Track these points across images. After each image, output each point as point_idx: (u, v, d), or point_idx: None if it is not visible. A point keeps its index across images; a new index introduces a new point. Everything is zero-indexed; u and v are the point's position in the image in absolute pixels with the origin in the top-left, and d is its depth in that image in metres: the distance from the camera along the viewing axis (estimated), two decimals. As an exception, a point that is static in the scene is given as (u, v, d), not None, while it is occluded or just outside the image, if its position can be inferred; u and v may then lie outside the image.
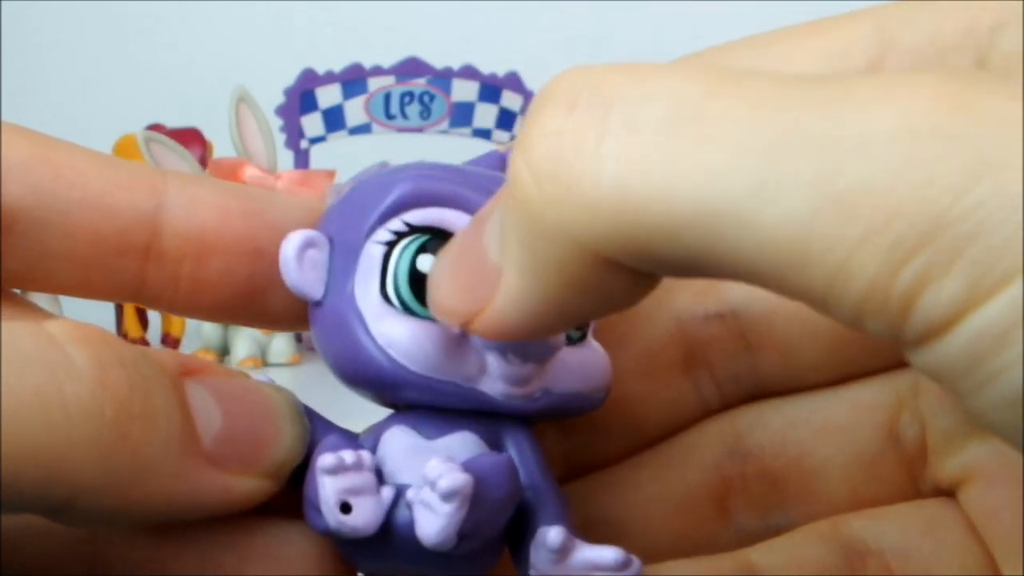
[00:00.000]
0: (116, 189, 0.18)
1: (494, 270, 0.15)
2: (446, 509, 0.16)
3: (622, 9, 1.23)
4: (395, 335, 0.17)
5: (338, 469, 0.17)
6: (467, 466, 0.17)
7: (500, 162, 0.19)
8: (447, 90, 0.84)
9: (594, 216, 0.14)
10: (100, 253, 0.18)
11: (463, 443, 0.18)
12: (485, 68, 0.85)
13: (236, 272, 0.19)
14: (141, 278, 0.18)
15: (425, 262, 0.17)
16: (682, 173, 0.13)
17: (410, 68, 0.83)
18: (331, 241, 0.18)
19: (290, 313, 0.19)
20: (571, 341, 0.19)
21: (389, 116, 0.83)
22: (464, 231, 0.17)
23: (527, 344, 0.17)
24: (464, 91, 0.84)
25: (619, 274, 0.14)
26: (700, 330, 0.20)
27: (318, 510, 0.17)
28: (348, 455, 0.17)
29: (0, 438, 0.14)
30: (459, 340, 0.17)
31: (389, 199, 0.18)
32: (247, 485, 0.17)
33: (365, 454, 0.17)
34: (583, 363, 0.18)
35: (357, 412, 0.21)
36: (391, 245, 0.18)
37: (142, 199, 0.18)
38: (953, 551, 0.19)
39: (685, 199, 0.13)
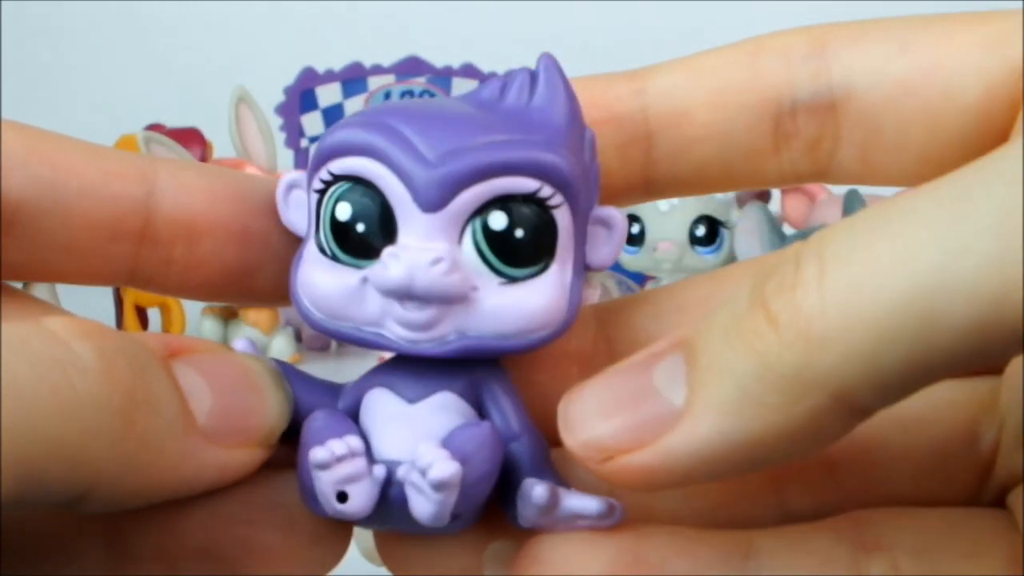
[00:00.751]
0: (110, 178, 0.19)
1: (669, 410, 0.16)
2: (438, 497, 0.17)
3: (622, 8, 1.22)
4: (308, 281, 0.18)
5: (331, 462, 0.17)
6: (452, 446, 0.17)
7: (497, 86, 0.19)
8: (447, 89, 0.84)
9: (847, 358, 0.14)
10: (96, 240, 0.19)
11: (443, 405, 0.19)
12: (485, 67, 0.84)
13: (225, 253, 0.19)
14: (135, 262, 0.19)
15: (342, 210, 0.18)
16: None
17: (410, 67, 0.83)
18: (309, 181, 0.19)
19: (277, 291, 0.20)
20: (512, 279, 0.18)
21: (389, 115, 0.83)
22: (624, 368, 0.17)
23: (428, 290, 0.17)
24: (464, 90, 0.84)
25: (847, 416, 0.15)
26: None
27: (315, 499, 0.18)
28: (338, 446, 0.17)
29: (25, 437, 0.14)
30: (360, 287, 0.18)
31: (320, 148, 0.18)
32: (241, 456, 0.18)
33: (354, 441, 0.18)
34: (506, 305, 0.18)
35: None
36: (321, 193, 0.18)
37: (134, 186, 0.19)
38: (969, 556, 0.18)
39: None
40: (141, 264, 0.19)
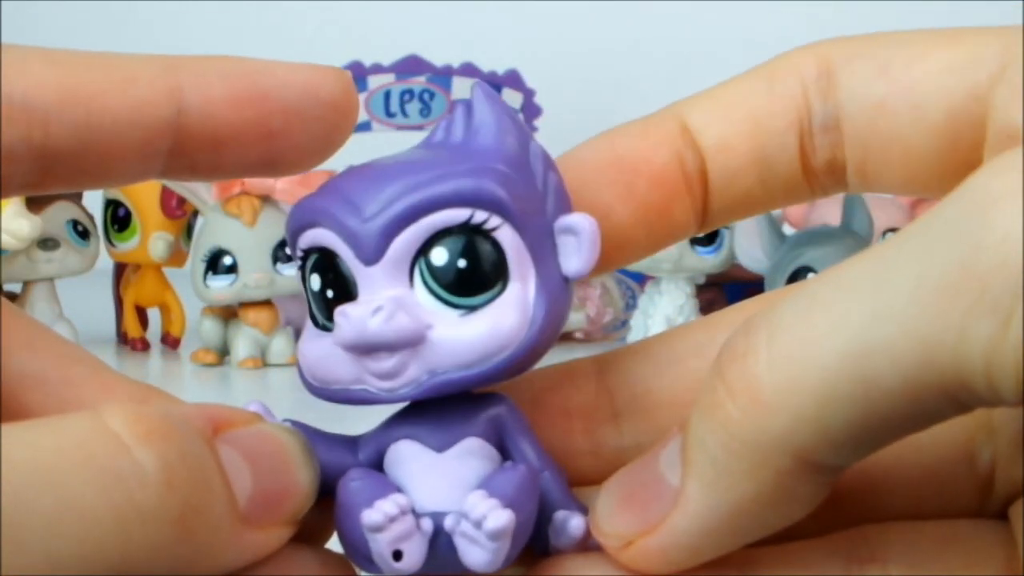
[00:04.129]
0: (141, 107, 0.19)
1: (670, 491, 0.17)
2: (494, 546, 0.18)
3: (622, 8, 1.22)
4: (301, 353, 0.19)
5: (385, 524, 0.18)
6: (498, 493, 0.18)
7: (443, 127, 0.20)
8: (447, 88, 0.84)
9: (797, 419, 0.15)
10: (129, 162, 0.19)
11: (470, 451, 0.19)
12: (485, 66, 0.84)
13: (249, 154, 0.20)
14: (165, 166, 0.20)
15: (314, 281, 0.19)
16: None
17: (410, 66, 0.83)
18: None
19: (299, 170, 0.20)
20: (470, 309, 0.18)
21: (389, 114, 0.83)
22: (641, 459, 0.18)
23: (377, 340, 0.18)
24: (464, 89, 0.84)
25: (813, 476, 0.16)
26: None
27: (369, 560, 0.18)
28: (389, 506, 0.18)
29: (81, 558, 0.14)
30: (333, 350, 0.18)
31: (289, 228, 0.19)
32: (275, 535, 0.18)
33: (401, 499, 0.18)
34: (461, 335, 0.18)
35: (354, 412, 0.21)
36: (302, 269, 0.19)
37: (163, 110, 0.19)
38: (964, 567, 0.18)
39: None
40: (170, 166, 0.20)
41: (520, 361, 0.19)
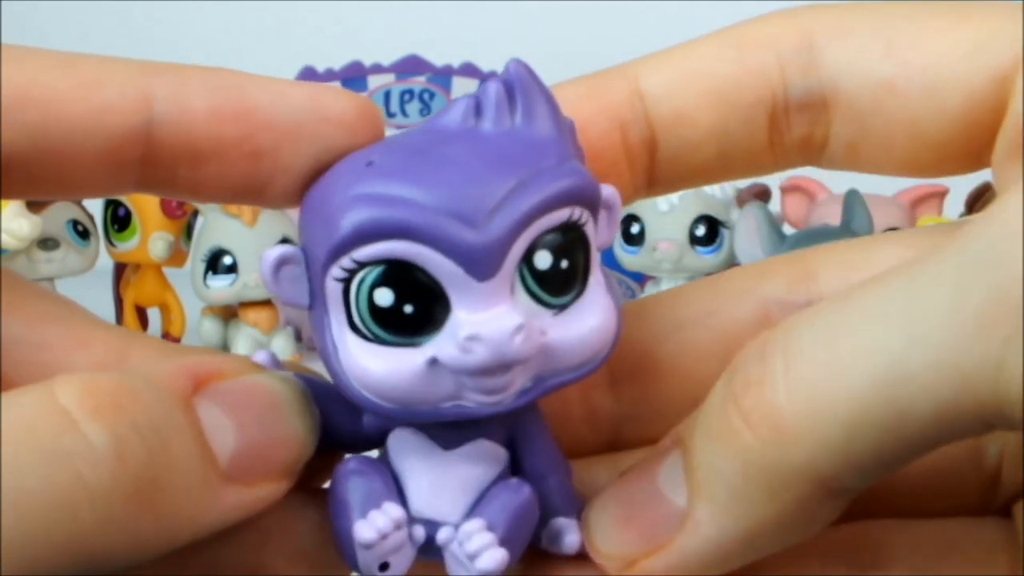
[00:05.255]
0: (103, 114, 0.18)
1: (674, 511, 0.17)
2: None
3: (622, 9, 1.22)
4: (368, 369, 0.17)
5: (376, 542, 0.17)
6: (493, 520, 0.18)
7: (462, 111, 0.18)
8: (447, 88, 0.84)
9: (821, 447, 0.15)
10: (95, 172, 0.18)
11: (479, 453, 0.18)
12: (485, 66, 0.84)
13: (233, 172, 0.18)
14: (139, 179, 0.18)
15: (382, 296, 0.17)
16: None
17: (410, 66, 0.83)
18: (304, 251, 0.18)
19: (289, 200, 0.19)
20: (562, 307, 0.18)
21: (389, 114, 0.83)
22: (633, 474, 0.18)
23: (515, 361, 0.17)
24: (464, 89, 0.84)
25: (834, 498, 0.16)
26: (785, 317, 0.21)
27: (354, 562, 0.18)
28: (382, 521, 0.17)
29: (32, 539, 0.14)
30: (429, 369, 0.17)
31: (335, 238, 0.17)
32: (265, 491, 0.17)
33: (396, 511, 0.17)
34: (571, 337, 0.17)
35: None
36: (346, 282, 0.17)
37: (130, 117, 0.18)
38: (967, 567, 0.18)
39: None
40: (146, 180, 0.18)
41: (611, 353, 0.18)
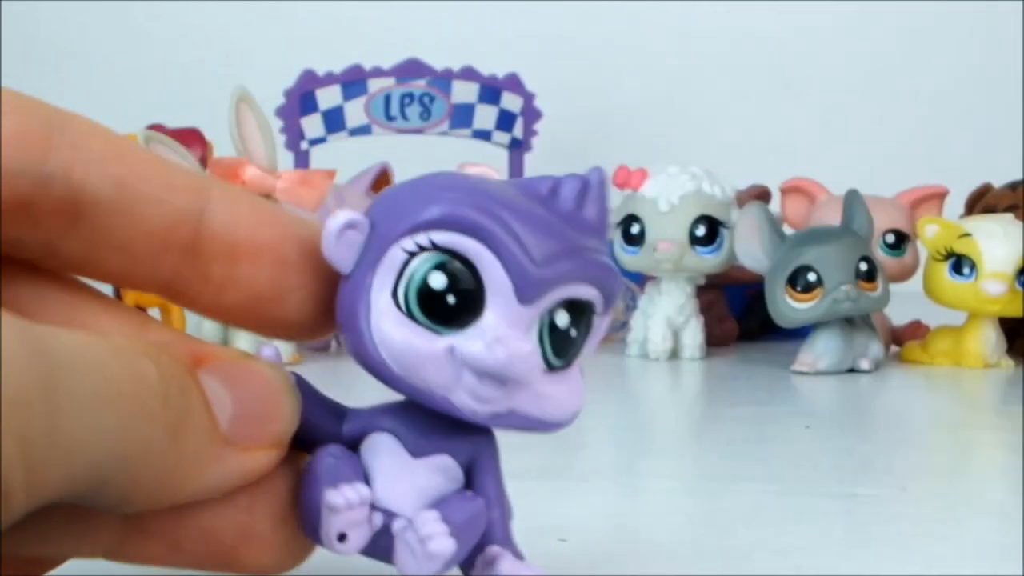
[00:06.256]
0: (174, 188, 0.20)
1: None
2: (429, 565, 0.19)
3: (621, 10, 1.23)
4: (390, 336, 0.19)
5: (343, 509, 0.19)
6: (449, 516, 0.19)
7: (547, 186, 0.20)
8: (447, 91, 0.84)
9: None
10: (150, 245, 0.20)
11: (441, 467, 0.20)
12: (485, 69, 0.84)
13: (260, 277, 0.20)
14: (175, 273, 0.20)
15: (436, 279, 0.19)
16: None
17: (410, 69, 0.83)
18: (372, 225, 0.20)
19: (297, 323, 0.21)
20: (553, 368, 0.20)
21: (389, 117, 0.83)
22: None
23: (516, 378, 0.19)
24: (464, 92, 0.84)
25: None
26: None
27: (316, 532, 0.20)
28: (352, 494, 0.19)
29: (104, 441, 0.16)
30: (444, 354, 0.19)
31: (425, 215, 0.19)
32: (260, 458, 0.19)
33: (364, 491, 0.20)
34: (554, 395, 0.20)
35: (352, 397, 0.22)
36: (413, 255, 0.19)
37: (192, 200, 0.20)
38: None
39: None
40: (181, 275, 0.20)
41: (563, 428, 0.21)
